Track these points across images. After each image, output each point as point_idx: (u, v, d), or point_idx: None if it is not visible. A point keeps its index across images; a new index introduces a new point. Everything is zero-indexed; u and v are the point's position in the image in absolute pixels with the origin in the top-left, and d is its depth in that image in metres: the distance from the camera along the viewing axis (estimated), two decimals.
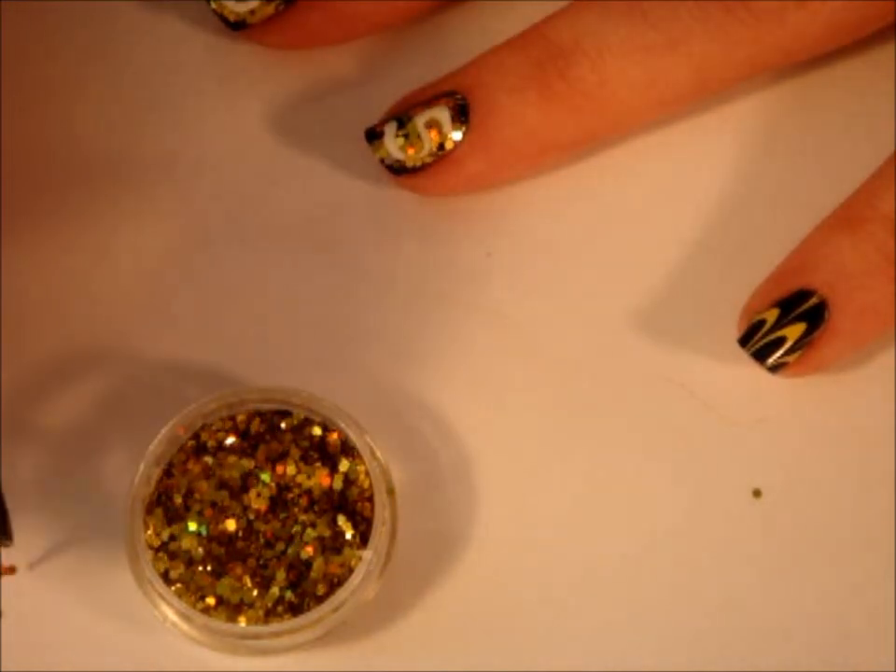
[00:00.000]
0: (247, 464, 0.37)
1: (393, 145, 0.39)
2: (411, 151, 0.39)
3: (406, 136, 0.39)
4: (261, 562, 0.37)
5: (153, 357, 0.40)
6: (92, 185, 0.41)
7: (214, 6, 0.40)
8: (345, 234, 0.41)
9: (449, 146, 0.39)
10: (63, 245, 0.41)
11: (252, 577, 0.37)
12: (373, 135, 0.40)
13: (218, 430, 0.38)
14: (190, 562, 0.37)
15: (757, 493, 0.39)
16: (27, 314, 0.40)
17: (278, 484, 0.37)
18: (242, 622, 0.36)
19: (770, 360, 0.38)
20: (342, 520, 0.37)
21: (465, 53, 0.40)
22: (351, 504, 0.37)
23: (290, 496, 0.37)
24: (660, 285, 0.41)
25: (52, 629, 0.38)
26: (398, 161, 0.39)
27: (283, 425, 0.38)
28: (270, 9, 0.40)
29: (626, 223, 0.41)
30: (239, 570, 0.37)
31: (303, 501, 0.37)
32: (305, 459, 0.37)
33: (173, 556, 0.37)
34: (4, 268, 0.40)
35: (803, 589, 0.38)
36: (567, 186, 0.41)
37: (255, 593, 0.37)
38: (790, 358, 0.38)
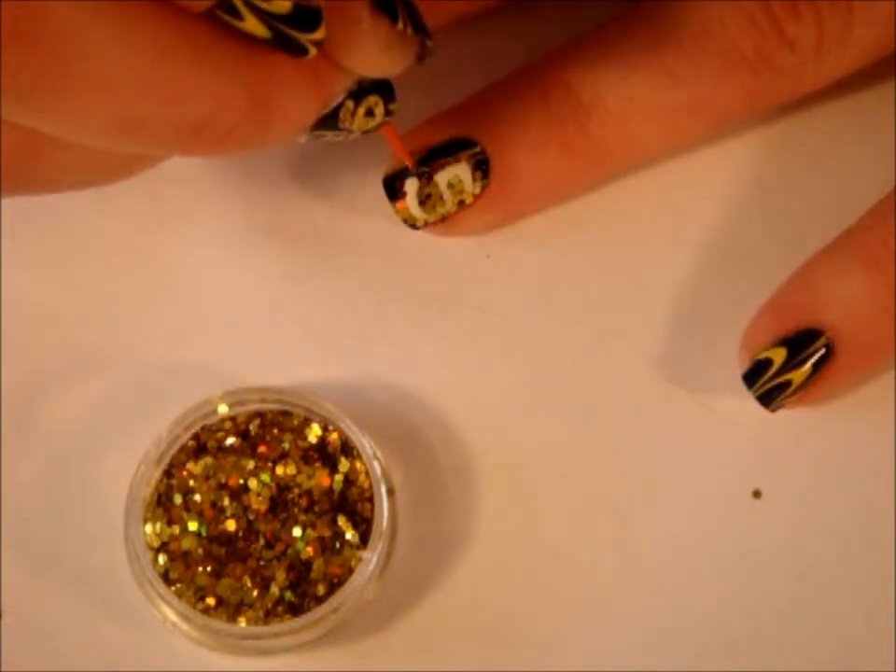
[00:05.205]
0: (247, 464, 0.37)
1: (416, 208, 0.39)
2: (432, 210, 0.39)
3: (429, 196, 0.39)
4: (261, 562, 0.37)
5: (153, 358, 0.40)
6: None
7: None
8: (345, 235, 0.41)
9: (469, 201, 0.39)
10: (61, 246, 0.41)
11: (252, 577, 0.37)
12: (393, 193, 0.39)
13: (218, 430, 0.38)
14: (190, 562, 0.37)
15: (757, 493, 0.39)
16: (27, 314, 0.40)
17: (278, 485, 0.37)
18: (242, 622, 0.36)
19: (774, 404, 0.38)
20: (342, 520, 0.37)
21: (474, 69, 0.41)
22: (351, 504, 0.37)
23: (290, 496, 0.37)
24: (660, 286, 0.41)
25: (52, 629, 0.38)
26: (418, 219, 0.39)
27: (283, 425, 0.38)
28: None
29: (627, 225, 0.41)
30: (239, 570, 0.37)
31: (303, 502, 0.37)
32: (305, 459, 0.37)
33: (173, 556, 0.37)
34: (3, 269, 0.40)
35: (802, 589, 0.38)
36: None
37: (255, 593, 0.37)
38: (792, 399, 0.38)
